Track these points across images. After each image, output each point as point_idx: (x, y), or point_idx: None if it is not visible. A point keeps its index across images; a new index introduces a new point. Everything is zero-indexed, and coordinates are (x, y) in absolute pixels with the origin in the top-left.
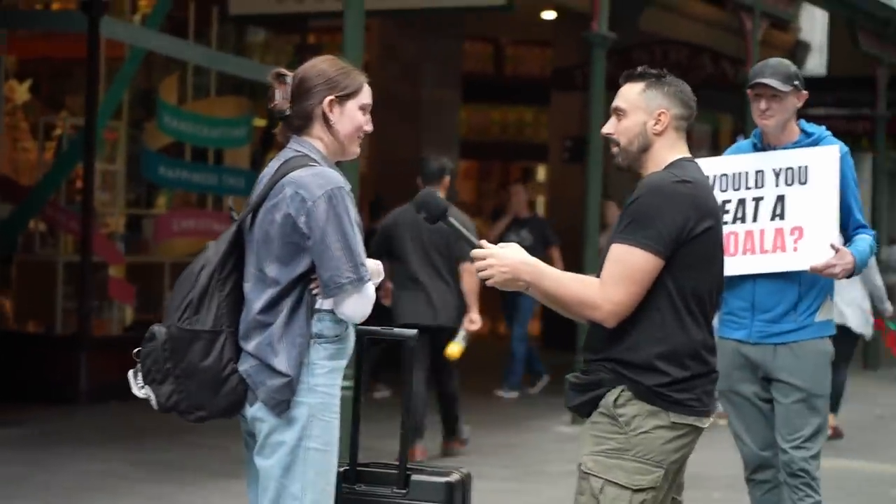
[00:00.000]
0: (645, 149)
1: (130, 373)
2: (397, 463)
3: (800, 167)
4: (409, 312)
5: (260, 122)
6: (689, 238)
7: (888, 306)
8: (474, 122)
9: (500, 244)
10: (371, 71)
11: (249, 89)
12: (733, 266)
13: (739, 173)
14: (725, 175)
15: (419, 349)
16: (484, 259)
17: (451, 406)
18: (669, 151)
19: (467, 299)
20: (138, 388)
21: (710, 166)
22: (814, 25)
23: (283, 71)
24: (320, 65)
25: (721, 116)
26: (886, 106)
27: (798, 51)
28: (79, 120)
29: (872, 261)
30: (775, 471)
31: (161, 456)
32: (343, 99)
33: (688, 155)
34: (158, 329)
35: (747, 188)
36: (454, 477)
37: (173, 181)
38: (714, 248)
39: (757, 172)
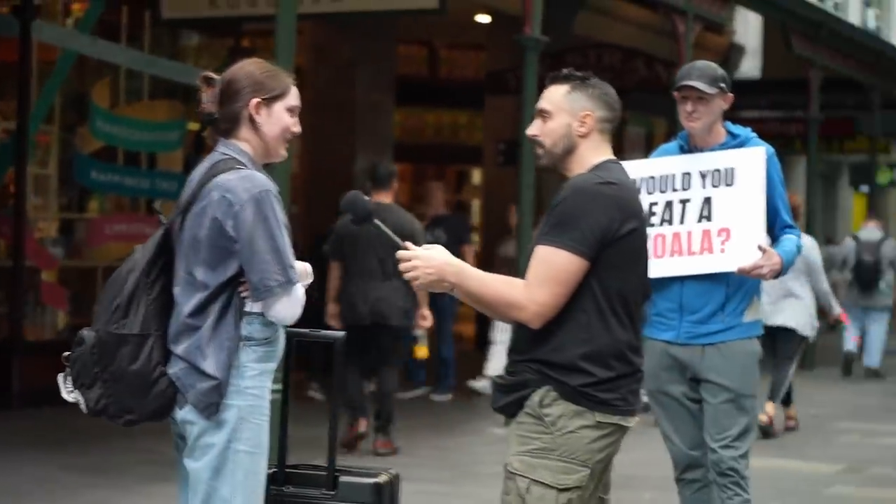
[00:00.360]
0: (569, 150)
1: (60, 376)
2: (326, 465)
3: (726, 169)
4: (348, 312)
5: (193, 126)
6: (613, 239)
7: (837, 311)
8: (409, 125)
9: (425, 245)
10: (304, 74)
11: (183, 93)
12: (661, 268)
13: (666, 175)
14: (653, 177)
15: (361, 345)
16: (409, 260)
17: (386, 403)
18: (594, 153)
19: (418, 298)
20: (67, 392)
21: (636, 168)
22: (748, 28)
23: (211, 74)
24: (247, 67)
25: (655, 120)
26: (819, 108)
27: (732, 54)
28: (10, 124)
29: (820, 266)
30: (705, 470)
31: (94, 460)
32: (270, 101)
33: (612, 157)
34: (87, 333)
35: (674, 190)
36: (382, 478)
37: (106, 185)
38: (639, 249)
39: (684, 174)
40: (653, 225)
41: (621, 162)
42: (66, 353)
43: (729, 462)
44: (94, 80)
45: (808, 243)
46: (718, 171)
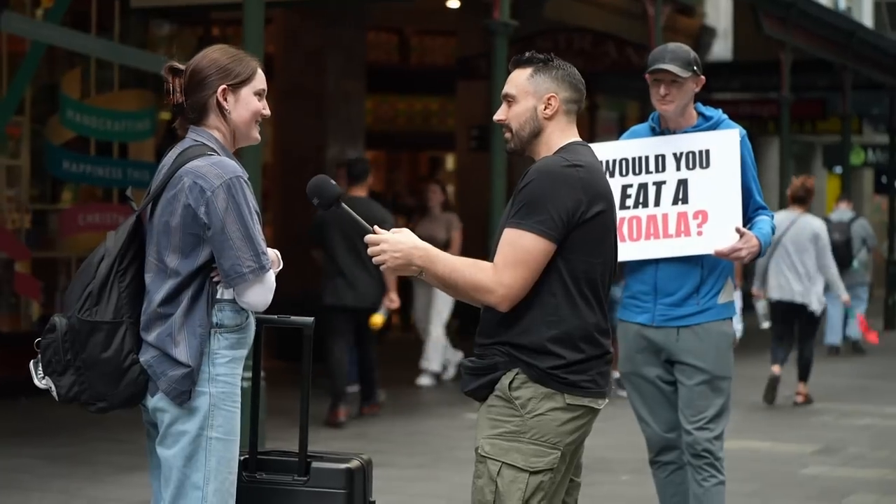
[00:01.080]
0: (536, 133)
1: (31, 363)
2: (297, 451)
3: (701, 151)
4: (332, 295)
5: (164, 116)
6: (580, 222)
7: (845, 297)
8: (380, 112)
9: (393, 230)
10: (275, 62)
11: (153, 82)
12: (636, 251)
13: (640, 157)
14: (626, 159)
15: (343, 326)
16: (377, 244)
17: (370, 373)
18: (561, 135)
19: (386, 282)
20: (39, 378)
21: (609, 151)
22: (718, 11)
23: (176, 64)
24: (211, 55)
25: (627, 103)
26: (791, 89)
27: (703, 36)
28: None
29: (829, 252)
30: (679, 452)
31: (69, 450)
32: (236, 87)
33: (579, 139)
34: (59, 320)
35: (648, 172)
36: (354, 463)
37: (78, 176)
38: (606, 232)
39: (657, 157)
40: (627, 207)
41: (594, 144)
42: (38, 340)
43: (704, 444)
44: (64, 70)
45: (819, 225)
46: (693, 153)
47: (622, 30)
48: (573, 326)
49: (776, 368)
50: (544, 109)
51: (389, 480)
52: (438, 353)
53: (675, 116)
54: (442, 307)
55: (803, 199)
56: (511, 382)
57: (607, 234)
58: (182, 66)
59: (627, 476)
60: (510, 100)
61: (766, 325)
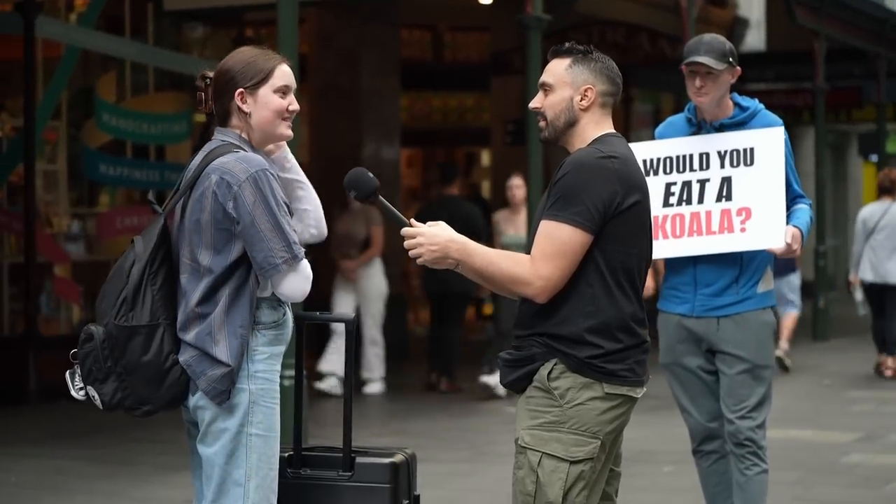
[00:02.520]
0: (571, 124)
1: (67, 374)
2: (342, 446)
3: (745, 149)
4: (430, 283)
5: (200, 118)
6: (616, 213)
7: None
8: (415, 109)
9: (430, 223)
10: (310, 62)
11: (189, 84)
12: (680, 248)
13: (684, 155)
14: (670, 157)
15: (454, 310)
16: (413, 237)
17: (449, 352)
18: (595, 127)
19: None
20: (76, 389)
21: (654, 149)
22: (751, 1)
23: (208, 73)
24: (232, 59)
25: (661, 95)
26: (825, 79)
27: (736, 27)
28: (18, 121)
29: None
30: (722, 441)
31: (111, 451)
32: (253, 88)
33: (613, 130)
34: (95, 329)
35: (692, 170)
36: (398, 458)
37: (115, 179)
38: (642, 222)
39: (702, 155)
40: (671, 205)
41: (639, 143)
42: (74, 351)
43: (746, 433)
44: (99, 74)
45: None
46: (738, 150)
47: (655, 22)
48: (610, 316)
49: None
50: (580, 100)
51: (432, 475)
52: (381, 358)
53: (710, 108)
54: (375, 310)
55: (890, 189)
56: (549, 373)
57: (643, 225)
58: (212, 75)
59: (670, 467)
60: (547, 88)
61: (862, 312)
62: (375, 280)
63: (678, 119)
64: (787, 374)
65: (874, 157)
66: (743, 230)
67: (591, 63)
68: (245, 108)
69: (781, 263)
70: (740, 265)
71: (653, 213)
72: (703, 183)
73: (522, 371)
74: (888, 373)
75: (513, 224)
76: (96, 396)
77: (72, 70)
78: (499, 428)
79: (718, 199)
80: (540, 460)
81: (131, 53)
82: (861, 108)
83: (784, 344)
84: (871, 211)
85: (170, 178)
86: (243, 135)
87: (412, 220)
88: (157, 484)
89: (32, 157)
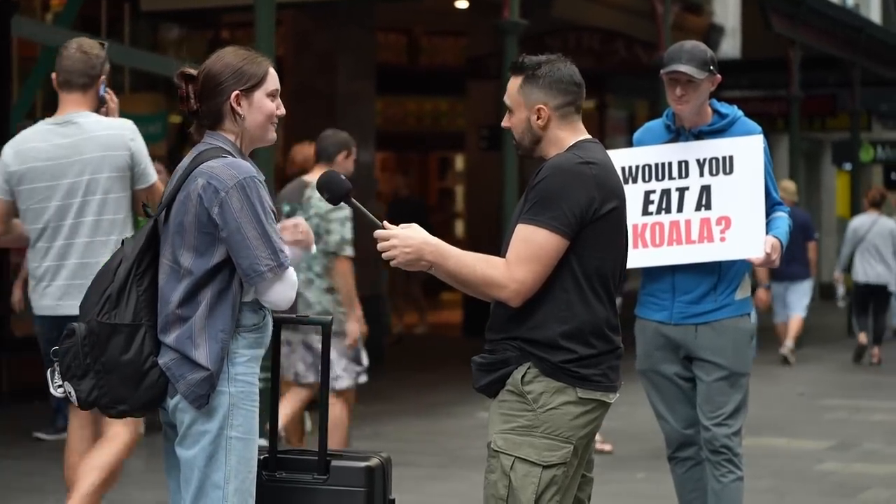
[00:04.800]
0: (536, 141)
1: (48, 371)
2: (317, 450)
3: (724, 157)
4: None
5: (175, 119)
6: (593, 218)
7: None
8: (390, 113)
9: (402, 225)
10: (285, 64)
11: (164, 86)
12: (659, 257)
13: (663, 163)
14: (649, 165)
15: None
16: (387, 240)
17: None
18: (568, 135)
19: None
20: (55, 387)
21: (632, 156)
22: (726, 8)
23: (189, 70)
24: (224, 59)
25: (637, 102)
26: (800, 86)
27: (711, 34)
28: None
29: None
30: (697, 448)
31: None
32: (249, 91)
33: (587, 136)
34: (78, 325)
35: (671, 178)
36: (373, 461)
37: None
38: (618, 228)
39: (681, 163)
40: (650, 213)
41: (617, 150)
42: (54, 348)
43: (722, 440)
44: None
45: (893, 224)
46: (717, 159)
47: (631, 28)
48: (584, 322)
49: (862, 337)
50: (536, 119)
51: (407, 479)
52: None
53: (690, 116)
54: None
55: (879, 204)
56: (523, 377)
57: (619, 231)
58: (195, 72)
59: (643, 474)
60: (508, 109)
61: (842, 304)
62: None
63: (656, 125)
64: (791, 367)
65: (848, 166)
66: (723, 239)
67: (540, 80)
68: (240, 110)
69: (797, 270)
70: (718, 272)
71: (632, 222)
72: (682, 191)
73: (496, 375)
74: (874, 360)
75: None
76: (73, 393)
77: (47, 70)
78: (472, 432)
79: (698, 208)
80: (512, 464)
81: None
82: (835, 117)
83: (789, 343)
84: (861, 221)
85: None
86: (232, 138)
87: (385, 223)
88: (130, 486)
89: None
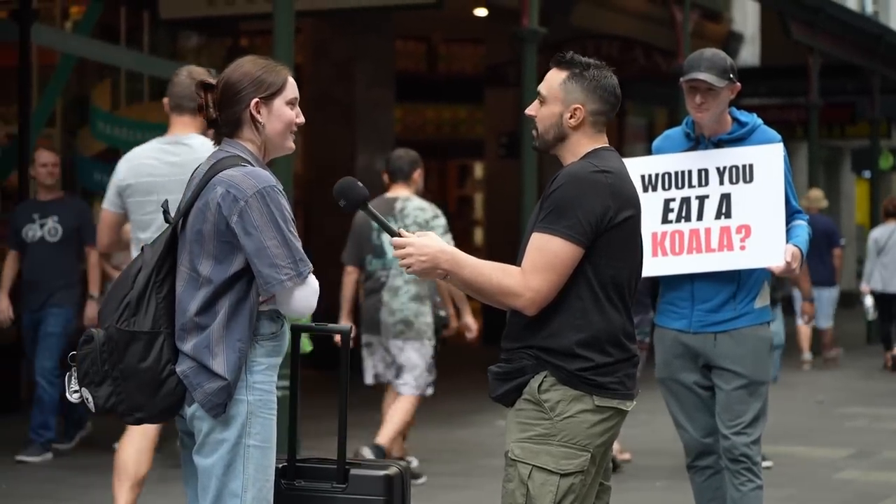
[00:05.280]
0: (560, 139)
1: (66, 377)
2: (336, 458)
3: (744, 165)
4: None
5: None
6: (608, 227)
7: None
8: (409, 121)
9: (418, 233)
10: (304, 72)
11: None
12: (679, 265)
13: (683, 171)
14: (668, 173)
15: None
16: (403, 247)
17: None
18: (587, 142)
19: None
20: (72, 392)
21: (652, 165)
22: (746, 16)
23: (208, 80)
24: (243, 68)
25: (656, 110)
26: (819, 94)
27: (731, 41)
28: (12, 128)
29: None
30: (716, 457)
31: (103, 461)
32: (268, 99)
33: (606, 145)
34: (96, 331)
35: (691, 186)
36: (392, 470)
37: None
38: (634, 237)
39: (700, 171)
40: (670, 222)
41: (636, 158)
42: (72, 353)
43: (741, 448)
44: (94, 82)
45: None
46: (737, 167)
47: (650, 36)
48: (600, 330)
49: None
50: (569, 118)
51: (427, 489)
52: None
53: (710, 124)
54: None
55: (894, 213)
56: (540, 385)
57: (634, 240)
58: (213, 81)
59: (662, 482)
60: (542, 100)
61: (872, 317)
62: None
63: (676, 133)
64: (836, 366)
65: (867, 174)
66: (742, 248)
67: (586, 81)
68: (260, 118)
69: (823, 278)
70: (738, 281)
71: (651, 230)
72: (702, 199)
73: (512, 384)
74: (889, 363)
75: None
76: (90, 399)
77: (67, 78)
78: (491, 441)
79: (718, 217)
80: (530, 473)
81: (126, 62)
82: (854, 124)
83: (834, 352)
84: (880, 232)
85: None
86: (251, 147)
87: (402, 230)
88: (148, 493)
89: (26, 165)
